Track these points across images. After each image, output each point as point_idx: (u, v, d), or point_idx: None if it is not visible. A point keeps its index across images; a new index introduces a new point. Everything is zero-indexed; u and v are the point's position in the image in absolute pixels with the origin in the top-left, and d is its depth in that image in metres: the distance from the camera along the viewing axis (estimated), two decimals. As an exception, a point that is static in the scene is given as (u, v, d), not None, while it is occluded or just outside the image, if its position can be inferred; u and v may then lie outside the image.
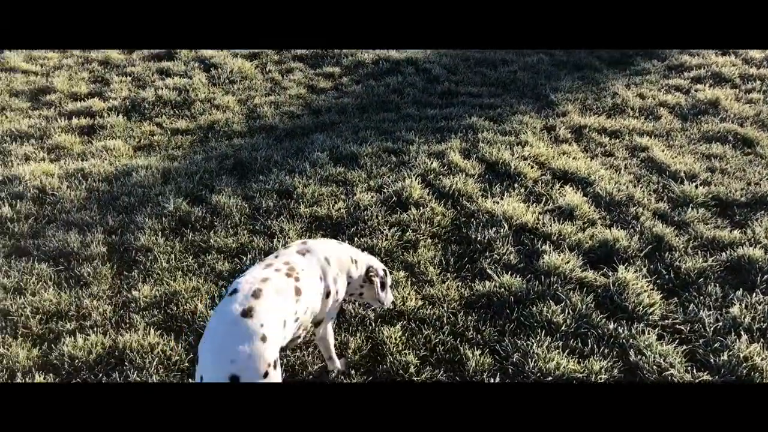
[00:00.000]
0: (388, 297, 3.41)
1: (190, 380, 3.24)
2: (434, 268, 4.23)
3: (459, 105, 7.30)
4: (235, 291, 2.58)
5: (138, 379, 3.21)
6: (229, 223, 4.71)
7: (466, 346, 3.54)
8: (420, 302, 3.90)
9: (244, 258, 4.28)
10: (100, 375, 3.24)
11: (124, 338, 3.46)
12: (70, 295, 3.84)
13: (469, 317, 3.78)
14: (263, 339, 2.42)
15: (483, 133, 6.34)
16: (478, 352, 3.49)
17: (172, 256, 4.27)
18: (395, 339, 3.57)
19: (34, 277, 3.98)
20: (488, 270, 4.21)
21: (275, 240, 4.47)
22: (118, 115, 6.75)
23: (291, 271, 2.79)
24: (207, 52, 8.61)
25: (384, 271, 3.36)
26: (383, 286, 3.32)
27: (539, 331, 3.65)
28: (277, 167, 5.59)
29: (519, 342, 3.56)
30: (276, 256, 2.93)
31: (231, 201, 4.94)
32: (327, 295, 3.01)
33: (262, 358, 2.38)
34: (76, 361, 3.32)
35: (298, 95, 7.61)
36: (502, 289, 3.98)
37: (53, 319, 3.65)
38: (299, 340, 3.35)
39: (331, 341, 3.28)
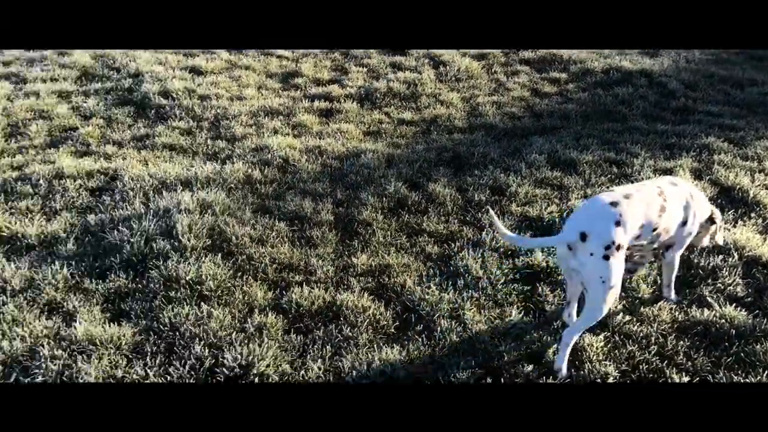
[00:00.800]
0: (720, 237, 3.96)
1: (394, 345, 3.50)
2: (647, 286, 4.04)
3: (694, 123, 6.80)
4: (610, 191, 3.32)
5: (351, 334, 3.55)
6: (441, 210, 4.94)
7: (673, 370, 3.35)
8: (627, 317, 3.76)
9: (453, 245, 4.48)
10: (320, 324, 3.64)
11: (341, 297, 3.84)
12: (300, 253, 4.34)
13: (681, 342, 3.57)
14: (617, 224, 3.09)
15: (719, 155, 5.86)
16: (686, 379, 3.29)
17: (388, 233, 4.61)
18: (596, 348, 3.50)
19: (274, 232, 4.55)
20: (708, 298, 3.92)
21: (484, 233, 4.60)
22: (352, 102, 7.37)
23: (662, 193, 3.39)
24: (437, 51, 9.01)
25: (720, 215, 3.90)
26: (719, 229, 3.89)
27: (761, 371, 3.33)
28: (492, 164, 5.72)
29: (736, 378, 3.29)
30: (651, 181, 3.61)
31: (446, 191, 5.18)
32: (683, 224, 3.55)
33: (611, 233, 3.07)
34: (301, 308, 3.76)
35: (521, 97, 7.66)
36: (723, 320, 3.68)
37: (285, 270, 4.17)
38: (647, 258, 3.82)
39: (675, 271, 3.81)
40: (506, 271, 4.16)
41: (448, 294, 3.90)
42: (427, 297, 3.86)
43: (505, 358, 3.44)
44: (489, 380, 3.25)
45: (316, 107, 7.24)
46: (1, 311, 3.66)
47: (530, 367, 3.36)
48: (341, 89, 7.79)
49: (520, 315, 3.78)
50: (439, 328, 3.62)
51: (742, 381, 3.26)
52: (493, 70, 8.63)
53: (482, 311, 3.81)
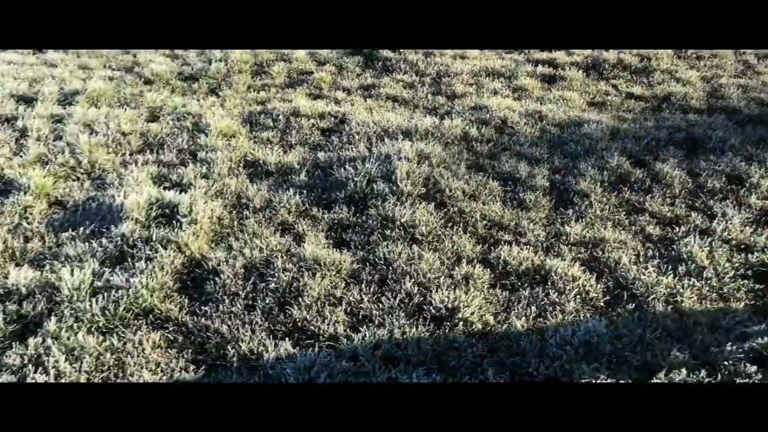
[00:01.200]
0: None
1: (602, 318, 3.39)
2: None
3: None
4: None
5: (557, 300, 3.50)
6: (667, 192, 4.61)
7: None
8: None
9: (677, 229, 4.17)
10: (526, 285, 3.64)
11: (551, 262, 3.78)
12: (511, 213, 4.34)
13: None
14: None
15: None
16: None
17: (606, 207, 4.42)
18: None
19: (486, 190, 4.60)
20: None
21: (714, 222, 4.21)
22: (578, 71, 7.09)
23: None
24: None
25: None
26: None
27: None
28: (732, 151, 5.17)
29: None
30: None
31: (674, 172, 4.81)
32: None
33: None
34: (508, 266, 3.78)
35: (775, 82, 6.79)
36: None
37: (495, 228, 4.20)
38: None
39: None
40: (737, 264, 3.79)
41: (666, 278, 3.66)
42: (642, 277, 3.66)
43: (725, 354, 3.16)
44: (703, 372, 3.02)
45: (539, 72, 7.08)
46: (245, 224, 4.18)
47: (753, 368, 3.05)
48: (567, 56, 7.52)
49: (748, 313, 3.44)
50: (653, 310, 3.43)
51: None
52: (741, 51, 7.73)
53: (703, 302, 3.52)
